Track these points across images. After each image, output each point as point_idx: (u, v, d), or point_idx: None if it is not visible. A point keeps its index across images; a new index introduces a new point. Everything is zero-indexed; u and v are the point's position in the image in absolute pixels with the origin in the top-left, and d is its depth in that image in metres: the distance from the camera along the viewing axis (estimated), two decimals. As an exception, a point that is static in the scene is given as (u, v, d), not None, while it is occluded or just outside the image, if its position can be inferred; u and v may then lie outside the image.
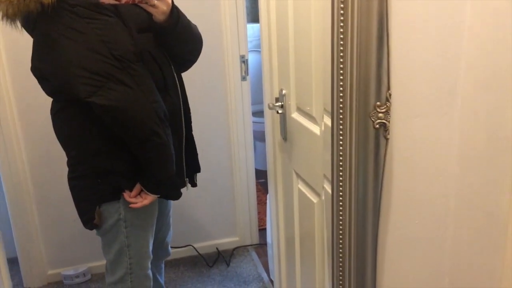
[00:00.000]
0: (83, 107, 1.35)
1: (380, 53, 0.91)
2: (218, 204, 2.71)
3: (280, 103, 1.76)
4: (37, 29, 1.35)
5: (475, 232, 1.07)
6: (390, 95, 0.94)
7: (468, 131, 1.03)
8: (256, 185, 2.80)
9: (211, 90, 2.46)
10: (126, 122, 1.35)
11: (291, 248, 1.96)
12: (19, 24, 1.34)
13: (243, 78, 2.50)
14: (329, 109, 0.99)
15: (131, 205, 1.49)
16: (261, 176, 3.22)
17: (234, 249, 2.77)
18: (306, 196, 1.69)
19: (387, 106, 0.94)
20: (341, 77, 0.93)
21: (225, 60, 2.45)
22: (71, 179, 1.53)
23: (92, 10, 1.29)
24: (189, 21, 1.53)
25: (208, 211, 2.70)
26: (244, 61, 2.48)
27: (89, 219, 1.51)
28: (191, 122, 1.69)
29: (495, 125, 1.01)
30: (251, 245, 2.82)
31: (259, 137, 3.18)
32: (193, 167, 1.74)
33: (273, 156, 1.97)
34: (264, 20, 1.83)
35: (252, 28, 3.20)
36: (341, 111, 0.94)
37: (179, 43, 1.51)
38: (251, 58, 2.73)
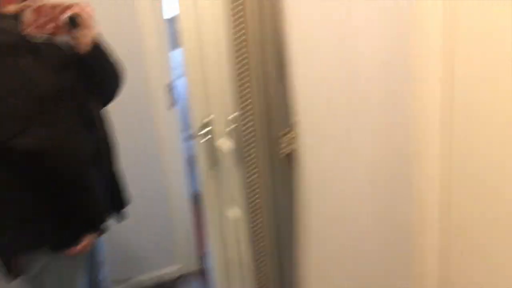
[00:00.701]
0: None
1: (284, 83, 0.96)
2: (156, 233, 2.67)
3: (206, 129, 1.78)
4: None
5: (386, 243, 1.14)
6: (296, 122, 0.99)
7: (374, 149, 1.10)
8: (194, 209, 2.79)
9: (138, 121, 2.44)
10: (49, 166, 1.33)
11: (232, 271, 1.97)
12: None
13: (170, 107, 2.51)
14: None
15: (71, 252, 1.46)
16: (198, 199, 3.21)
17: (178, 278, 2.74)
18: (239, 220, 1.71)
19: (294, 133, 0.99)
20: (248, 107, 0.97)
21: (151, 89, 2.45)
22: None
23: (9, 50, 1.27)
24: (110, 55, 1.53)
25: (146, 241, 2.66)
26: (170, 89, 2.49)
27: (11, 268, 1.46)
28: (116, 157, 1.68)
29: (399, 143, 1.09)
30: (194, 271, 2.80)
31: (193, 161, 3.17)
32: (121, 201, 1.73)
33: (205, 184, 1.98)
34: (188, 45, 1.85)
35: (178, 54, 3.20)
36: (249, 142, 0.98)
37: (100, 75, 1.51)
38: (180, 84, 2.74)
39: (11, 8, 1.32)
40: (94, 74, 1.47)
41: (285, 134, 0.98)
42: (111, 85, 1.60)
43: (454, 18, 0.90)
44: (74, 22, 1.31)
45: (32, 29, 1.29)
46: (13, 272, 1.47)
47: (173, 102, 2.52)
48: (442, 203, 1.00)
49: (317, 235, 1.09)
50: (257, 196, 1.02)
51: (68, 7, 1.31)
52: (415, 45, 0.96)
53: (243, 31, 0.95)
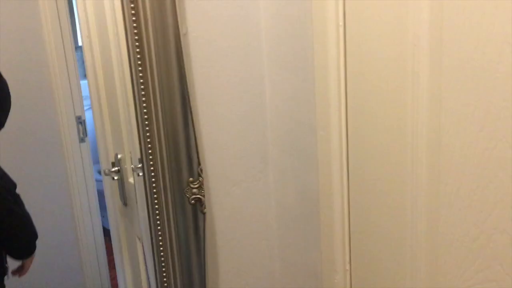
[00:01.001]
0: None
1: (187, 130, 0.93)
2: (66, 275, 2.50)
3: (116, 168, 1.70)
4: None
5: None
6: (201, 170, 0.96)
7: (281, 193, 1.09)
8: (107, 246, 2.65)
9: (48, 155, 2.29)
10: None
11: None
12: None
13: (82, 140, 2.38)
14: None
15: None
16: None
17: (89, 321, 2.57)
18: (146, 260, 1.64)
19: (199, 181, 0.95)
20: (151, 157, 0.92)
21: (60, 122, 2.31)
22: None
23: None
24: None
25: (54, 284, 2.47)
26: (81, 122, 2.36)
27: None
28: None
29: (303, 185, 1.09)
30: (108, 313, 2.64)
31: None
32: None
33: (115, 222, 1.88)
34: (92, 81, 1.77)
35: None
36: (154, 190, 0.93)
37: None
38: (89, 115, 2.62)
39: None
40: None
41: (192, 182, 0.94)
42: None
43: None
44: None
45: None
46: None
47: (84, 135, 2.39)
48: (346, 246, 1.00)
49: (228, 282, 1.05)
50: (161, 243, 0.96)
51: None
52: (320, 91, 0.96)
53: (143, 68, 0.90)
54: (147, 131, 0.91)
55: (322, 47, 0.91)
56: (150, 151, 0.92)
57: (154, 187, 0.93)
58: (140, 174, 1.63)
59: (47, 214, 2.27)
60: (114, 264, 2.97)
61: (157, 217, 0.95)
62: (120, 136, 1.67)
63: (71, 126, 2.34)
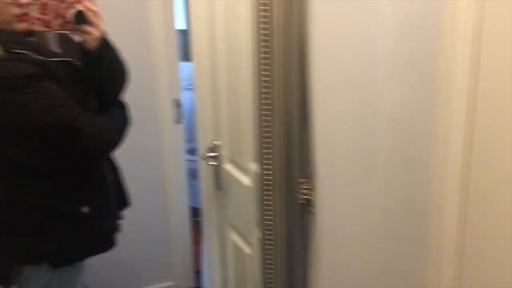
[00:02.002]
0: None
1: (303, 132, 0.95)
2: (151, 247, 2.65)
3: (214, 154, 1.77)
4: None
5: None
6: (313, 171, 0.98)
7: (387, 200, 1.09)
8: (193, 224, 2.77)
9: (144, 133, 2.42)
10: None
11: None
12: None
13: (177, 122, 2.49)
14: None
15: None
16: (197, 214, 3.19)
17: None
18: (239, 246, 1.70)
19: (311, 182, 0.98)
20: (267, 156, 0.95)
21: (158, 103, 2.43)
22: None
23: (25, 80, 1.24)
24: (118, 53, 1.50)
25: (140, 254, 2.63)
26: (177, 104, 2.47)
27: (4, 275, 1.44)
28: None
29: (409, 194, 1.08)
30: (187, 288, 2.77)
31: (194, 175, 3.16)
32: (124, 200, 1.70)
33: (208, 205, 1.96)
34: (197, 68, 1.84)
35: (186, 66, 3.20)
36: (268, 187, 0.97)
37: (109, 76, 1.47)
38: (187, 96, 2.72)
39: (22, 26, 1.30)
40: (102, 71, 1.44)
41: (303, 183, 0.96)
42: (117, 84, 1.54)
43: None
44: (80, 18, 1.30)
45: (39, 25, 1.28)
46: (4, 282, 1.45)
47: (180, 117, 2.50)
48: (456, 260, 0.99)
49: (328, 282, 1.07)
50: (271, 237, 1.00)
51: (74, 2, 1.30)
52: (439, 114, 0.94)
53: (269, 67, 0.93)
54: (266, 129, 0.94)
55: (448, 63, 0.89)
56: (266, 150, 0.95)
57: (267, 184, 0.97)
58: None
59: (140, 189, 2.40)
60: (197, 240, 3.11)
61: (267, 212, 0.98)
62: (220, 124, 1.73)
63: (168, 108, 2.45)
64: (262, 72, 0.93)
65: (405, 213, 1.08)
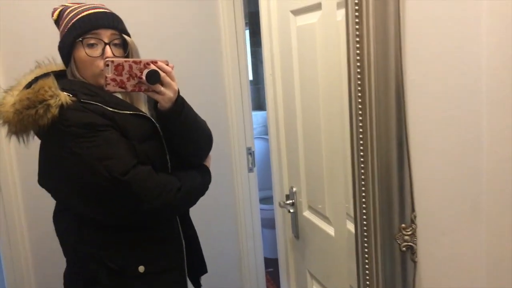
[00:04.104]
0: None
1: (402, 175, 0.90)
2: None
3: (291, 201, 1.73)
4: (40, 146, 1.35)
5: None
6: (415, 216, 0.91)
7: (494, 246, 0.99)
8: (265, 275, 2.70)
9: (218, 183, 2.40)
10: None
11: None
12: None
13: (250, 170, 2.49)
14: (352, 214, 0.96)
15: None
16: (270, 265, 3.12)
17: None
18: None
19: (412, 228, 0.91)
20: (364, 200, 0.91)
21: (232, 152, 2.45)
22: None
23: (87, 129, 1.26)
24: (196, 114, 1.48)
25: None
26: (250, 153, 2.48)
27: None
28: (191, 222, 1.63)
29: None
30: None
31: (267, 224, 3.11)
32: (198, 268, 1.66)
33: (285, 255, 1.91)
34: (272, 116, 1.85)
35: (255, 115, 3.24)
36: (365, 233, 0.91)
37: (186, 136, 1.43)
38: (257, 144, 2.74)
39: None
40: (178, 132, 1.40)
41: (404, 228, 0.90)
42: (195, 145, 1.49)
43: None
44: (153, 78, 1.31)
45: (113, 86, 1.31)
46: None
47: (253, 165, 2.50)
48: None
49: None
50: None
51: (148, 63, 1.32)
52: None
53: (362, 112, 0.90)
54: (362, 173, 0.90)
55: None
56: (364, 194, 0.90)
57: (365, 231, 0.91)
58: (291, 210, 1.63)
59: (214, 237, 2.39)
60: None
61: (366, 261, 0.92)
62: (297, 169, 1.70)
63: (241, 156, 2.47)
64: (356, 115, 0.89)
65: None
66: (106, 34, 1.35)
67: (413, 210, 0.91)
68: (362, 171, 0.90)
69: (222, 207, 2.49)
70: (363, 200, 0.90)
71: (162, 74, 1.31)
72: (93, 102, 1.29)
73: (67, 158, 1.26)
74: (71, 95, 1.27)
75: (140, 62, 1.31)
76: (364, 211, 0.91)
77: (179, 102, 1.37)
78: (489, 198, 0.98)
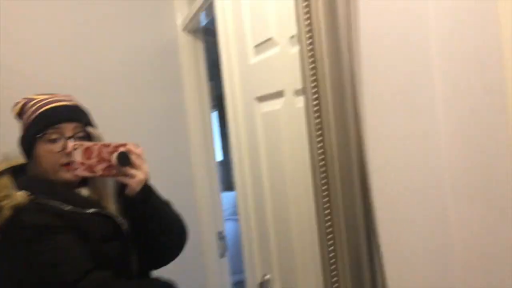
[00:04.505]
0: None
1: (372, 266, 0.87)
2: None
3: (264, 289, 1.66)
4: None
5: None
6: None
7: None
8: None
9: (188, 270, 2.33)
10: None
11: None
12: None
13: (222, 255, 2.41)
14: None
15: None
16: None
17: None
18: None
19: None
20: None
21: (202, 237, 2.37)
22: None
23: (40, 232, 1.20)
24: (167, 201, 1.42)
25: None
26: (221, 237, 2.41)
27: None
28: None
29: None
30: None
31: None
32: None
33: None
34: (241, 200, 1.81)
35: (226, 196, 3.20)
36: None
37: (156, 224, 1.35)
38: (229, 226, 2.67)
39: (69, 175, 1.31)
40: (147, 220, 1.34)
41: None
42: (170, 237, 1.41)
43: None
44: (124, 160, 1.28)
45: (82, 170, 1.27)
46: None
47: (224, 250, 2.42)
48: None
49: None
50: None
51: (118, 146, 1.29)
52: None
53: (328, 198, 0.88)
54: (333, 265, 0.86)
55: None
56: (333, 279, 0.86)
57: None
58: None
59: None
60: None
61: None
62: (269, 255, 1.64)
63: (212, 241, 2.39)
64: (322, 199, 0.88)
65: None
66: (68, 128, 1.33)
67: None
68: (332, 261, 0.86)
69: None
70: (335, 283, 0.86)
71: (132, 156, 1.29)
72: (50, 202, 1.24)
73: (18, 263, 1.20)
74: (28, 194, 1.22)
75: (110, 145, 1.29)
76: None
77: (147, 186, 1.33)
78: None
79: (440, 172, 0.94)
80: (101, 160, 1.29)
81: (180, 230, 1.46)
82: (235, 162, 1.80)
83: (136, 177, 1.29)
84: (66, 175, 1.31)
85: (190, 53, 2.35)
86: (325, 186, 0.86)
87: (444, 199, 0.95)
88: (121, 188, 1.34)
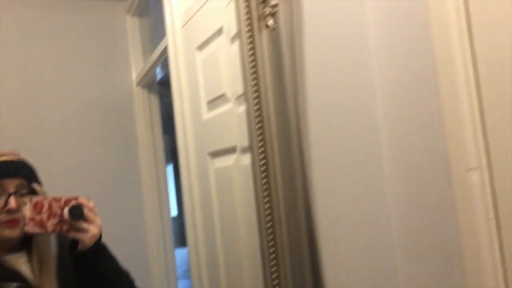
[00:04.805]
0: None
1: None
2: None
3: None
4: None
5: None
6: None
7: None
8: None
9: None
10: None
11: None
12: None
13: (175, 314, 2.31)
14: None
15: None
16: None
17: None
18: None
19: None
20: None
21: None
22: None
23: None
24: (115, 260, 1.34)
25: None
26: (175, 294, 2.33)
27: None
28: None
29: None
30: None
31: None
32: None
33: None
34: (194, 258, 1.77)
35: (181, 252, 3.12)
36: None
37: (107, 281, 1.28)
38: (181, 285, 2.58)
39: (13, 233, 1.25)
40: (99, 276, 1.28)
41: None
42: None
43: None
44: (76, 214, 1.21)
45: (32, 226, 1.20)
46: None
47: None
48: None
49: None
50: None
51: (69, 200, 1.24)
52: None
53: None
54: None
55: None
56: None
57: None
58: None
59: None
60: None
61: None
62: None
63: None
64: (270, 263, 0.86)
65: None
66: (11, 184, 1.28)
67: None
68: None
69: None
70: None
71: (85, 209, 1.24)
72: None
73: None
74: None
75: (61, 199, 1.23)
76: None
77: (100, 242, 1.27)
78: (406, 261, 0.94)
79: (392, 252, 0.95)
80: (51, 214, 1.23)
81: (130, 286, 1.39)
82: (188, 217, 1.77)
83: (90, 232, 1.24)
84: (7, 233, 1.25)
85: (144, 107, 2.34)
86: (273, 249, 0.84)
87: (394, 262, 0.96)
88: (72, 244, 1.28)
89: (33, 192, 1.32)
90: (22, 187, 1.30)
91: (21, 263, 1.31)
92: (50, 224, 1.23)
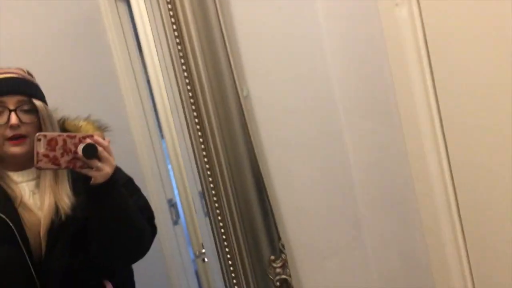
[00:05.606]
0: None
1: (262, 202, 0.82)
2: None
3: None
4: None
5: None
6: (283, 245, 0.83)
7: (383, 261, 0.92)
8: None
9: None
10: None
11: None
12: None
13: (175, 222, 2.36)
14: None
15: None
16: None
17: None
18: None
19: (282, 258, 0.83)
20: (224, 237, 0.82)
21: (152, 207, 2.31)
22: None
23: None
24: (128, 199, 1.37)
25: None
26: (172, 204, 2.36)
27: None
28: None
29: (408, 250, 0.91)
30: None
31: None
32: None
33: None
34: (175, 165, 1.76)
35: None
36: (233, 275, 0.82)
37: (114, 220, 1.31)
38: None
39: (16, 149, 1.29)
40: (110, 211, 1.30)
41: (273, 260, 0.81)
42: (129, 233, 1.38)
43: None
44: (90, 152, 1.22)
45: (45, 162, 1.20)
46: None
47: (176, 217, 2.38)
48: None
49: None
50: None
51: (84, 137, 1.23)
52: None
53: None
54: (217, 208, 0.81)
55: (404, 85, 0.78)
56: (223, 230, 0.82)
57: (232, 271, 0.82)
58: (206, 259, 1.53)
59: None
60: None
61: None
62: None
63: (163, 210, 2.34)
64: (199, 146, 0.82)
65: (407, 274, 0.91)
66: (12, 101, 1.28)
67: (279, 238, 0.83)
68: (217, 205, 0.81)
69: (152, 264, 2.33)
70: (224, 237, 0.82)
71: (99, 148, 1.22)
72: None
73: None
74: None
75: (75, 136, 1.23)
76: (227, 249, 0.82)
77: (113, 179, 1.29)
78: (368, 211, 0.92)
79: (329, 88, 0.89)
80: (65, 151, 1.22)
81: (136, 232, 1.42)
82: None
83: (103, 170, 1.25)
84: (14, 150, 1.27)
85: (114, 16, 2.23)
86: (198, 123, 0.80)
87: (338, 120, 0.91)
88: (85, 178, 1.29)
89: (36, 110, 1.31)
90: (23, 103, 1.30)
91: (27, 180, 1.32)
92: (64, 161, 1.22)
